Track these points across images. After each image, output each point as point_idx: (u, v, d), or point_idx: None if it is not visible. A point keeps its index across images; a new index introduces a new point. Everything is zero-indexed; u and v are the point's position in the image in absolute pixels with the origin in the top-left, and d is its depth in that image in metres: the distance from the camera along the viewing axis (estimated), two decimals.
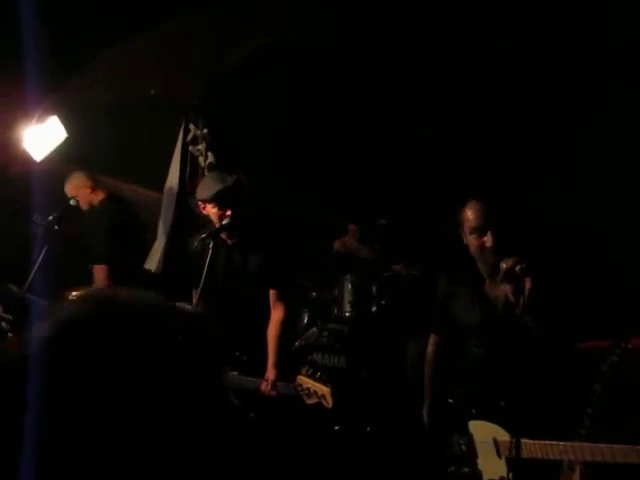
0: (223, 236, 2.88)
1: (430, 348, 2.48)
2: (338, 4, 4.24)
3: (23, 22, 2.72)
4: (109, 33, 3.50)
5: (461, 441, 2.17)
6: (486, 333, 2.22)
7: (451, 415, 2.27)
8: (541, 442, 1.94)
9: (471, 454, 2.14)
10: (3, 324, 3.18)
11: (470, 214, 2.21)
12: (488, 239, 2.16)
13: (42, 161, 3.51)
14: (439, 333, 2.47)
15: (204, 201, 2.82)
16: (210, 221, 2.88)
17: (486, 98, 4.30)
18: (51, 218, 3.58)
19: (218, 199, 2.75)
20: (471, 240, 2.22)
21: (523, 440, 1.93)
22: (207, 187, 2.85)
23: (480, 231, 2.18)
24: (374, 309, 4.29)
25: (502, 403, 2.10)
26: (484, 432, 2.11)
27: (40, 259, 3.49)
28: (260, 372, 2.82)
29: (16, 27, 2.68)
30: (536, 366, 2.11)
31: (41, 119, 3.34)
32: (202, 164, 5.19)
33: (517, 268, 2.03)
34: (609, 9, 3.63)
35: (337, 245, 5.05)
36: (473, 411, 2.16)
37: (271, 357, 2.81)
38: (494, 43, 4.15)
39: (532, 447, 1.94)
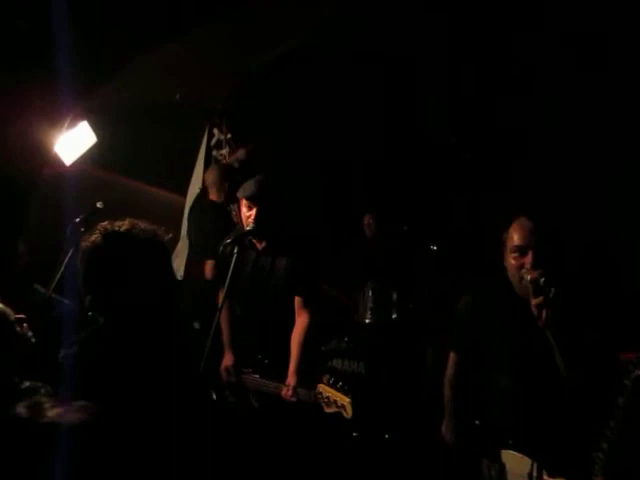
0: (253, 240, 2.93)
1: (450, 369, 2.35)
2: (359, 8, 4.25)
3: (55, 31, 2.79)
4: (137, 40, 3.56)
5: (492, 468, 2.10)
6: (522, 365, 2.10)
7: (480, 438, 2.19)
8: None
9: None
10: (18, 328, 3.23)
11: (514, 232, 2.09)
12: (528, 260, 2.04)
13: (72, 164, 3.59)
14: (460, 353, 2.33)
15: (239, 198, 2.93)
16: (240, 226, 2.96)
17: (515, 102, 4.25)
18: (78, 220, 3.65)
19: (249, 197, 2.85)
20: (510, 260, 2.10)
21: None
22: (242, 187, 2.95)
23: (522, 251, 2.06)
24: (394, 315, 4.30)
25: (542, 439, 2.01)
26: (519, 465, 2.02)
27: (67, 260, 3.56)
28: (282, 377, 2.84)
29: (49, 36, 2.75)
30: (565, 397, 2.02)
31: (72, 124, 3.42)
32: None
33: (541, 280, 2.01)
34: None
35: (354, 250, 5.03)
36: (510, 442, 2.06)
37: (293, 363, 2.83)
38: (524, 45, 4.10)
39: None
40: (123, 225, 1.60)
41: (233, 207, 4.60)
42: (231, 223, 4.27)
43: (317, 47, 4.52)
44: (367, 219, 4.87)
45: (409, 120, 4.83)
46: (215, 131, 5.21)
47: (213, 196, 4.28)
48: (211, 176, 4.31)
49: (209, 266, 3.91)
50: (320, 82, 4.71)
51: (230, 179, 4.24)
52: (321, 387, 2.70)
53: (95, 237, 1.59)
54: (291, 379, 2.79)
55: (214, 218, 4.17)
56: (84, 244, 1.60)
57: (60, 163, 3.56)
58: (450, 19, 4.24)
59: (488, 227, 2.23)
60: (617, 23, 3.70)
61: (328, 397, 2.67)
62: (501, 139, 4.36)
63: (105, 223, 1.63)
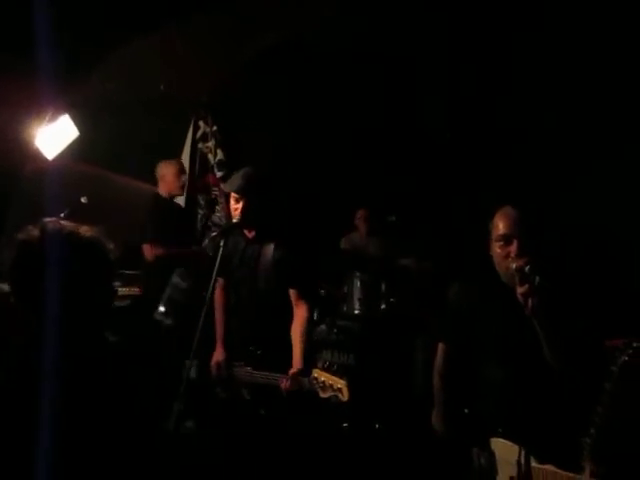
0: (244, 230, 2.93)
1: (439, 358, 2.31)
2: (358, 8, 4.23)
3: (37, 22, 2.74)
4: (121, 32, 3.51)
5: (481, 456, 2.10)
6: (511, 354, 2.09)
7: (470, 427, 2.20)
8: (570, 474, 1.90)
9: (491, 471, 2.08)
10: None
11: (499, 221, 2.08)
12: (513, 249, 2.02)
13: (54, 159, 3.54)
14: (449, 343, 2.30)
15: (229, 192, 2.91)
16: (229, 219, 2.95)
17: (514, 101, 4.25)
18: (62, 215, 3.62)
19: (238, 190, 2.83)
20: (495, 249, 2.08)
21: (551, 469, 1.91)
22: (230, 181, 2.94)
23: (506, 240, 2.04)
24: (383, 306, 4.30)
25: (531, 427, 2.01)
26: (508, 452, 2.03)
27: None
28: (274, 368, 2.82)
29: (30, 27, 2.71)
30: (555, 386, 2.03)
31: (53, 118, 3.37)
32: (211, 161, 5.22)
33: (526, 268, 2.01)
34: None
35: (344, 242, 5.05)
36: (500, 430, 2.06)
37: (298, 351, 2.79)
38: (524, 45, 4.10)
39: (561, 477, 1.90)
40: (66, 227, 1.48)
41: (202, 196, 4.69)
42: (176, 212, 4.40)
43: (317, 47, 4.49)
44: (360, 213, 4.88)
45: (409, 120, 4.83)
46: (200, 123, 5.17)
47: (163, 189, 4.32)
48: (164, 170, 4.35)
49: (146, 249, 4.04)
50: (309, 76, 4.69)
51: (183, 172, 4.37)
52: (316, 372, 2.68)
53: (33, 232, 1.46)
54: (297, 364, 2.76)
55: (154, 208, 4.25)
56: (20, 236, 1.47)
57: (42, 158, 3.51)
58: (450, 19, 4.23)
59: (483, 222, 2.22)
60: (617, 23, 3.70)
61: (323, 381, 2.65)
62: (500, 138, 4.37)
63: (50, 220, 1.51)
